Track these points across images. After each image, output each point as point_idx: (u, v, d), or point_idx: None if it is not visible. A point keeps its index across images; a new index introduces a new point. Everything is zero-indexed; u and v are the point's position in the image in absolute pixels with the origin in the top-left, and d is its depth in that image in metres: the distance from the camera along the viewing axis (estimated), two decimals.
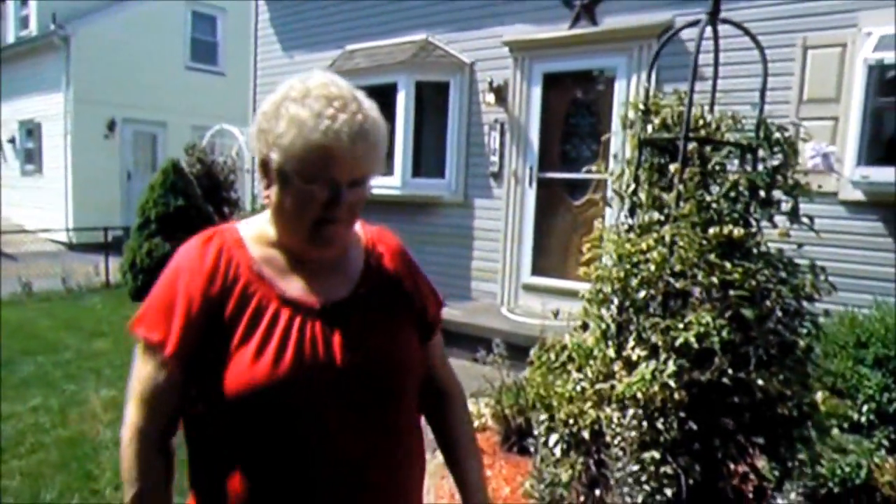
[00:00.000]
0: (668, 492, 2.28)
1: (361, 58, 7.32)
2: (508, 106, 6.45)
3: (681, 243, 2.42)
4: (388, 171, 6.81)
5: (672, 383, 2.27)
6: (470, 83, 6.73)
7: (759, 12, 4.84)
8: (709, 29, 2.67)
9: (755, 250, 2.52)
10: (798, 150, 2.64)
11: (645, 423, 2.34)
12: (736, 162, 2.72)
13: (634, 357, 2.43)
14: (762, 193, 2.60)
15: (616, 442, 2.36)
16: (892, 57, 4.29)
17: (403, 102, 6.84)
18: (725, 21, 2.72)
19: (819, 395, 2.91)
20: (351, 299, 1.14)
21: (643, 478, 2.30)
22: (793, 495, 2.32)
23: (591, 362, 2.62)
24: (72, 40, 12.93)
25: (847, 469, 2.86)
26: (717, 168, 2.70)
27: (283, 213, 1.08)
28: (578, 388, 2.60)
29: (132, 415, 1.09)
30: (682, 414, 2.33)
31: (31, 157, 14.55)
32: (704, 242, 2.41)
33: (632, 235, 2.64)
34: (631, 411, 2.36)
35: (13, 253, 11.27)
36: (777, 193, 2.63)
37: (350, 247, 1.19)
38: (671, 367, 2.29)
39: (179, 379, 1.06)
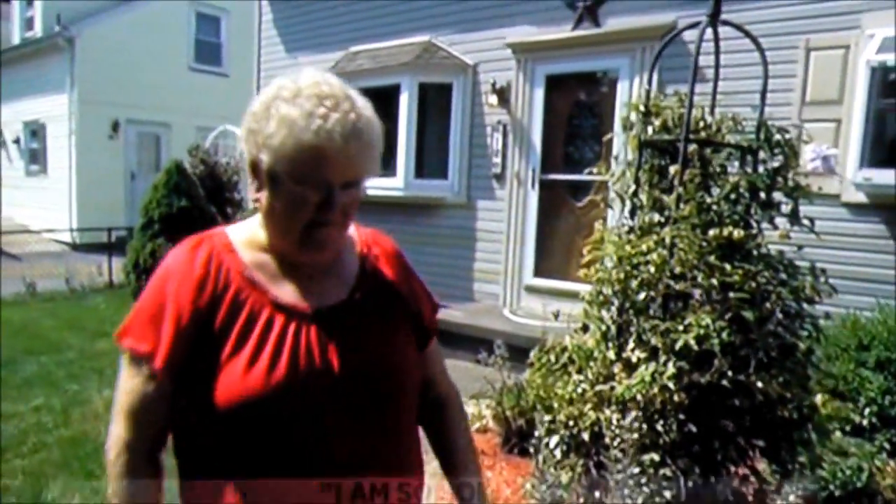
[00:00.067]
0: (668, 494, 2.27)
1: (365, 59, 7.32)
2: (511, 107, 6.45)
3: (681, 245, 2.42)
4: (391, 172, 6.81)
5: (672, 385, 2.26)
6: (473, 85, 6.73)
7: (763, 14, 4.84)
8: (710, 31, 2.68)
9: (755, 252, 2.51)
10: (798, 152, 2.64)
11: (645, 425, 2.33)
12: (736, 164, 2.72)
13: (634, 359, 2.43)
14: (763, 195, 2.60)
15: (616, 444, 2.35)
16: (894, 59, 4.29)
17: (407, 104, 6.83)
18: (726, 23, 2.72)
19: (820, 398, 2.91)
20: (346, 304, 1.11)
21: (643, 480, 2.29)
22: (793, 498, 2.31)
23: (591, 364, 2.62)
24: (76, 41, 12.99)
25: (848, 472, 2.85)
26: (718, 170, 2.70)
27: (274, 216, 1.04)
28: (578, 389, 2.60)
29: (119, 429, 1.06)
30: (681, 416, 2.33)
31: (36, 158, 14.61)
32: (705, 244, 2.41)
33: (632, 237, 2.64)
34: (631, 413, 2.35)
35: (17, 253, 11.32)
36: (777, 195, 2.63)
37: (344, 250, 1.15)
38: (671, 369, 2.29)
39: (169, 390, 1.03)
